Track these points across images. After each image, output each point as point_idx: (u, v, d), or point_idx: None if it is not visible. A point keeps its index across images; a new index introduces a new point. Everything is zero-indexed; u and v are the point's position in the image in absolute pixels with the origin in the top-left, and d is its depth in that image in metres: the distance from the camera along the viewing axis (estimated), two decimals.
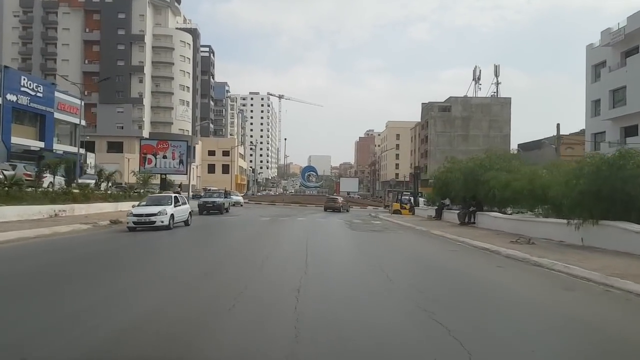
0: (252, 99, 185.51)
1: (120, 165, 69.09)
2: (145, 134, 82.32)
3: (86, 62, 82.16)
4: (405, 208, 40.55)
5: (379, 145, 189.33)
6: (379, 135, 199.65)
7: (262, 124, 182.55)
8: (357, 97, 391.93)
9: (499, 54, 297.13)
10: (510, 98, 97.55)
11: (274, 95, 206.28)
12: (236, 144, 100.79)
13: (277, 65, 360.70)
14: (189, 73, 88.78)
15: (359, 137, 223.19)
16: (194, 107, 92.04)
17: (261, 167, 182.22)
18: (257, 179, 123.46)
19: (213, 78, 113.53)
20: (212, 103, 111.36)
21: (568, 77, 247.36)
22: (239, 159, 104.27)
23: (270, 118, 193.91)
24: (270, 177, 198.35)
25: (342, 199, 52.90)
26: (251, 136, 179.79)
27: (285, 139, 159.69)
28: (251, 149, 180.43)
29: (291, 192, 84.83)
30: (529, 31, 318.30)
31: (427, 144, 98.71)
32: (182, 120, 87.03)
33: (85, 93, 75.59)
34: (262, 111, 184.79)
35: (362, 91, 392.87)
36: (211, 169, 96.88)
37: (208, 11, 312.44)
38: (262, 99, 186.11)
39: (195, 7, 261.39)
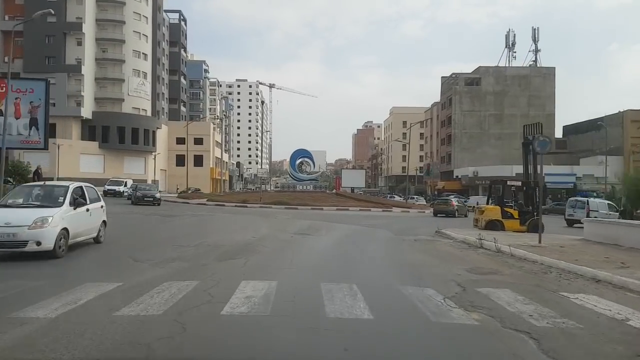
0: (239, 86, 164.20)
1: (51, 155, 48.07)
2: (87, 112, 61.00)
3: (6, 17, 60.64)
4: (512, 217, 19.18)
5: (378, 139, 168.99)
6: (378, 127, 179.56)
7: (250, 114, 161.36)
8: (352, 93, 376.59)
9: (492, 50, 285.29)
10: (554, 68, 77.19)
11: (264, 84, 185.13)
12: (211, 128, 79.31)
13: (270, 62, 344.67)
14: (146, 36, 67.46)
15: (357, 130, 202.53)
16: (156, 82, 70.73)
17: (250, 163, 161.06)
18: (242, 174, 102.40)
19: (185, 51, 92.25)
20: (184, 82, 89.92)
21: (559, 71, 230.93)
22: (216, 148, 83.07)
23: (260, 108, 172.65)
24: (259, 174, 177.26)
25: (455, 200, 37.50)
26: (238, 127, 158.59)
27: (268, 131, 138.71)
28: (239, 141, 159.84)
29: (277, 188, 63.18)
30: (522, 27, 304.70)
31: (449, 126, 78.00)
32: (138, 96, 65.76)
33: (5, 59, 54.57)
34: (250, 100, 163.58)
35: (357, 87, 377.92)
36: (180, 160, 75.51)
37: (200, 8, 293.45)
38: (250, 86, 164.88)
39: (187, 4, 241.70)
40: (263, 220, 20.83)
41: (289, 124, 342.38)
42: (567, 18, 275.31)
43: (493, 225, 17.84)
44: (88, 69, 61.78)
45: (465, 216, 35.38)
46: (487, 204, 19.86)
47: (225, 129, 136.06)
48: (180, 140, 75.89)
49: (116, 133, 61.75)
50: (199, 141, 75.04)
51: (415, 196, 72.24)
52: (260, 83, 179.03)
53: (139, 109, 65.71)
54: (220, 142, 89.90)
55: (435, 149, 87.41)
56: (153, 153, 66.09)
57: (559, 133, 78.92)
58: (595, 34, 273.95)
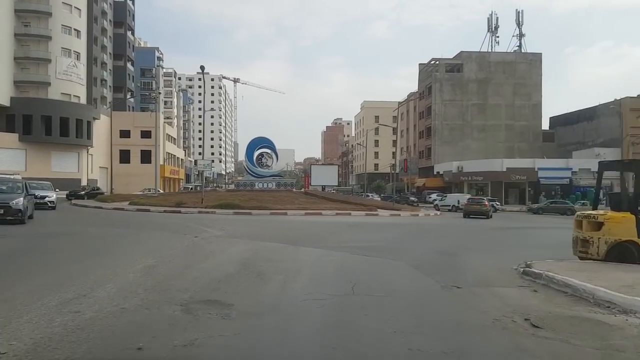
0: (200, 79, 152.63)
1: None
2: (3, 98, 50.04)
3: None
4: None
5: (348, 136, 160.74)
6: (348, 124, 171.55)
7: (213, 109, 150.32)
8: (320, 93, 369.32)
9: (456, 52, 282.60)
10: (540, 54, 70.27)
11: (228, 79, 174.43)
12: (160, 120, 68.89)
13: (236, 60, 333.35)
14: (79, 9, 56.75)
15: (326, 127, 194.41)
16: (92, 64, 60.12)
17: (213, 161, 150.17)
18: (201, 173, 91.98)
19: (133, 34, 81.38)
20: (131, 68, 79.09)
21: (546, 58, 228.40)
22: (169, 143, 72.85)
23: (223, 103, 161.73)
24: (225, 173, 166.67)
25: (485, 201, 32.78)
26: (200, 124, 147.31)
27: (224, 125, 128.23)
28: (200, 138, 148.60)
29: (230, 186, 52.59)
30: (483, 31, 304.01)
31: (429, 118, 70.20)
32: (68, 80, 55.05)
33: None
34: (212, 94, 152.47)
35: (325, 87, 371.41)
36: (125, 157, 65.12)
37: (163, 4, 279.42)
38: (213, 79, 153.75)
39: (150, 1, 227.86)
40: (164, 244, 11.36)
41: (257, 123, 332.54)
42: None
43: (623, 253, 8.79)
44: (4, 46, 50.79)
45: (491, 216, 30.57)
46: (595, 206, 11.06)
47: (184, 124, 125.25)
48: (125, 133, 65.60)
49: (41, 123, 51.02)
50: (146, 134, 64.75)
51: (370, 194, 64.14)
52: (224, 77, 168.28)
53: (69, 95, 55.04)
54: (175, 137, 79.73)
55: (412, 143, 79.62)
56: (88, 147, 55.58)
57: (545, 125, 72.28)
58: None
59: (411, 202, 50.29)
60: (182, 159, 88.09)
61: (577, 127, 65.89)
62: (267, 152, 36.49)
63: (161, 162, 66.92)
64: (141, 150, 65.48)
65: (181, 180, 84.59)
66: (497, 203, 47.14)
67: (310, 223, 20.49)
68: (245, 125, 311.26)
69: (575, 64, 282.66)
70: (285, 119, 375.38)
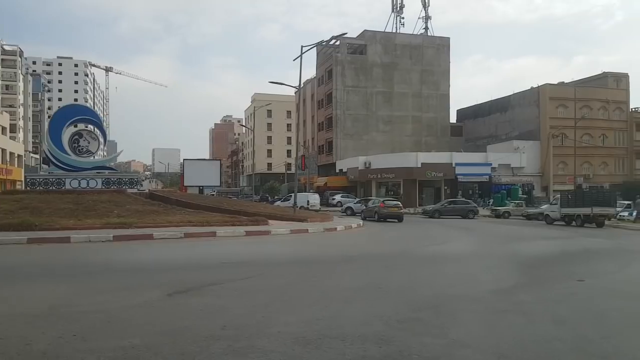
0: (60, 64, 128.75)
1: None
2: None
3: None
4: None
5: (239, 134, 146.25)
6: (239, 122, 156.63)
7: (76, 99, 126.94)
8: (211, 92, 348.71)
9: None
10: (448, 38, 62.98)
11: (98, 67, 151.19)
12: None
13: (117, 55, 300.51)
14: None
15: (215, 124, 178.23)
16: None
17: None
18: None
19: None
20: None
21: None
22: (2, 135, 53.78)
23: (90, 94, 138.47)
24: None
25: None
26: None
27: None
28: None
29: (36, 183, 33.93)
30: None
31: (329, 106, 59.61)
32: None
33: None
34: (76, 82, 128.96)
35: (216, 87, 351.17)
36: None
37: None
38: (77, 65, 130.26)
39: None
40: None
41: (138, 121, 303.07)
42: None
43: None
44: None
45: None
46: None
47: (36, 115, 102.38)
48: None
49: None
50: None
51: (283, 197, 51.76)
52: (92, 65, 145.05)
53: None
54: (7, 127, 60.32)
55: (310, 136, 68.60)
56: None
57: (453, 118, 65.33)
58: None
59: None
60: (20, 155, 68.15)
61: (488, 119, 59.45)
62: (88, 130, 22.32)
63: None
64: None
65: (19, 182, 64.92)
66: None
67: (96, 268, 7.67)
68: (125, 123, 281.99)
69: (452, 74, 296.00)
70: (172, 117, 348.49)
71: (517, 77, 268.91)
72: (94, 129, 22.62)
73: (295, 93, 59.35)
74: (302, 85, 23.08)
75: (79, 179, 21.30)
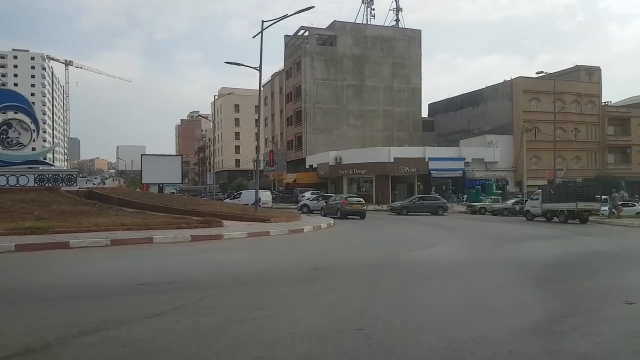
0: (15, 57, 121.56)
1: None
2: None
3: None
4: None
5: (206, 131, 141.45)
6: (206, 118, 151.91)
7: (33, 94, 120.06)
8: (178, 89, 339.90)
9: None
10: (420, 31, 61.22)
11: (57, 61, 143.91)
12: None
13: (79, 50, 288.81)
14: None
15: (181, 120, 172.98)
16: None
17: (44, 159, 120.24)
18: None
19: None
20: None
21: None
22: None
23: (49, 88, 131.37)
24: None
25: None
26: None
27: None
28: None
29: None
30: None
31: (298, 100, 57.01)
32: None
33: None
34: (33, 76, 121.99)
35: (183, 84, 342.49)
36: None
37: None
38: (33, 58, 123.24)
39: None
40: None
41: (102, 117, 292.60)
42: None
43: None
44: None
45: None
46: None
47: None
48: None
49: None
50: None
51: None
52: (51, 58, 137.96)
53: None
54: None
55: (279, 131, 65.79)
56: None
57: (425, 112, 63.73)
58: None
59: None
60: None
61: (460, 113, 57.99)
62: (19, 120, 19.12)
63: None
64: None
65: None
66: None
67: None
68: (90, 120, 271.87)
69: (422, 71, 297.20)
70: (138, 114, 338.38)
71: (483, 75, 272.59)
72: (24, 120, 19.34)
73: (261, 82, 56.44)
74: (261, 64, 20.45)
75: (7, 175, 18.03)
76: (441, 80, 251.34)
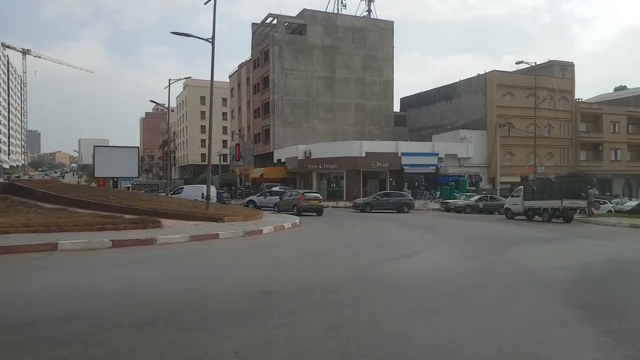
0: None
1: None
2: None
3: None
4: None
5: (169, 124, 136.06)
6: (172, 111, 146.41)
7: None
8: (144, 81, 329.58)
9: None
10: (392, 22, 59.14)
11: (14, 49, 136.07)
12: None
13: (40, 40, 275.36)
14: None
15: (146, 113, 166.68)
16: None
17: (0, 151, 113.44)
18: None
19: None
20: None
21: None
22: None
23: (2, 77, 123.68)
24: (17, 165, 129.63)
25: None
26: None
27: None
28: None
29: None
30: None
31: (266, 91, 54.09)
32: None
33: None
34: None
35: (149, 76, 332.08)
36: None
37: None
38: None
39: None
40: None
41: (64, 110, 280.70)
42: None
43: None
44: None
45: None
46: None
47: None
48: None
49: None
50: None
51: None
52: (7, 46, 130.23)
53: None
54: None
55: (246, 124, 62.65)
56: None
57: (397, 107, 61.79)
58: None
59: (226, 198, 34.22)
60: None
61: (433, 108, 56.22)
62: None
63: None
64: None
65: None
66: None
67: None
68: (52, 113, 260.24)
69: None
70: (103, 107, 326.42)
71: (452, 74, 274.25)
72: None
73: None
74: (214, 36, 17.73)
75: None
76: (411, 78, 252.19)
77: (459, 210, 30.08)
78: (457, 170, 45.22)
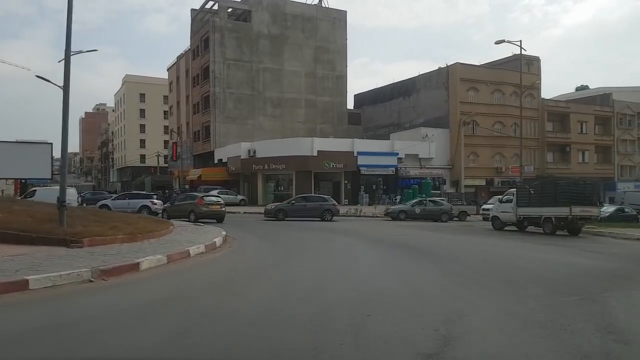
0: None
1: None
2: None
3: None
4: None
5: (108, 124, 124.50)
6: (113, 110, 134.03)
7: None
8: (89, 82, 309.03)
9: None
10: (345, 12, 53.85)
11: None
12: None
13: None
14: None
15: (85, 113, 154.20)
16: None
17: None
18: None
19: None
20: None
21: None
22: None
23: None
24: None
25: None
26: None
27: None
28: None
29: None
30: None
31: (206, 83, 47.28)
32: None
33: None
34: None
35: (95, 77, 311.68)
36: None
37: None
38: None
39: None
40: None
41: (6, 112, 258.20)
42: None
43: None
44: None
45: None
46: None
47: None
48: None
49: None
50: None
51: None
52: None
53: None
54: None
55: (185, 120, 55.36)
56: None
57: (350, 104, 56.43)
58: None
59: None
60: None
61: (390, 105, 51.27)
62: None
63: None
64: None
65: None
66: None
67: None
68: None
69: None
70: (46, 109, 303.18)
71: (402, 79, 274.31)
72: None
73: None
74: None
75: None
76: (362, 82, 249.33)
77: (393, 216, 25.45)
78: (418, 172, 40.23)
